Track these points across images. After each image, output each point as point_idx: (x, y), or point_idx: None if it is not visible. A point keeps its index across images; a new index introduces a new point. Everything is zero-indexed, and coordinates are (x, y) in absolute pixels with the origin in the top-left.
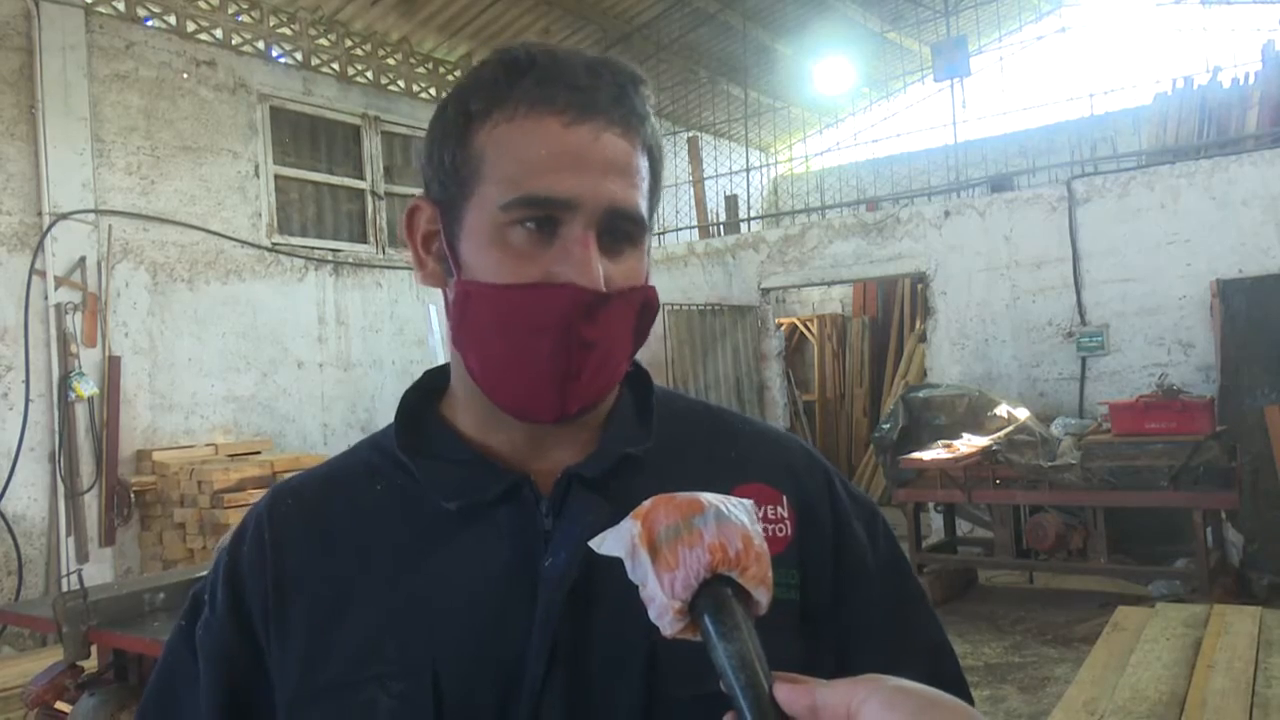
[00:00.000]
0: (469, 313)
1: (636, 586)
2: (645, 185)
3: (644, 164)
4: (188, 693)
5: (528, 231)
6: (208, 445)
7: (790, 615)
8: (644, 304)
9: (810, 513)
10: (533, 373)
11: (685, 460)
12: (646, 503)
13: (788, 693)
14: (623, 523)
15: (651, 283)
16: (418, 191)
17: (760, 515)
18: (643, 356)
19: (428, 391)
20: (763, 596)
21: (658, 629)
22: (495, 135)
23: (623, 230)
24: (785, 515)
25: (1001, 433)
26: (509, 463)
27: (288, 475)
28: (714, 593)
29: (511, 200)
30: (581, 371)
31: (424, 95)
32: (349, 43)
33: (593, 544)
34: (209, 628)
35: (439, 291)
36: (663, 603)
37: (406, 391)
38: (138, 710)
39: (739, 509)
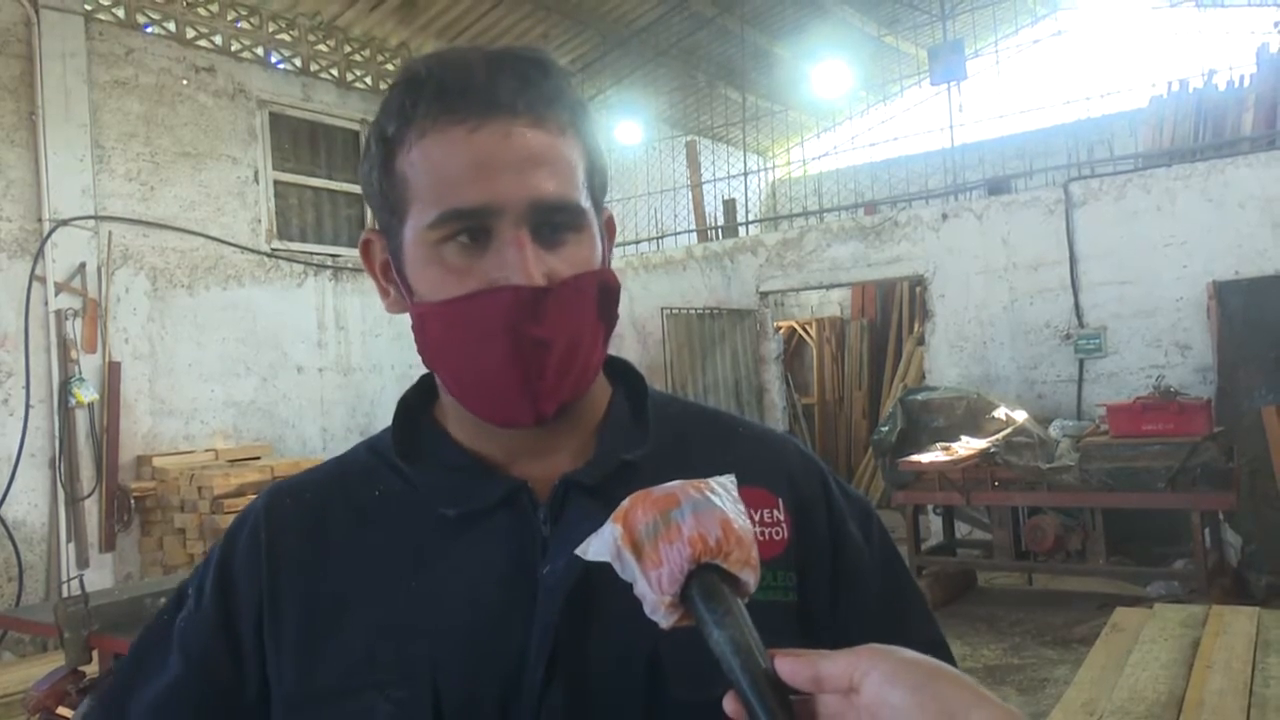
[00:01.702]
0: (427, 335)
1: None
2: (577, 168)
3: (568, 146)
4: (151, 685)
5: (460, 245)
6: (208, 450)
7: (789, 617)
8: (601, 287)
9: (806, 515)
10: (496, 381)
11: (682, 464)
12: (625, 502)
13: (790, 665)
14: (604, 527)
15: (650, 293)
16: None
17: (756, 519)
18: (642, 360)
19: (424, 396)
20: (749, 577)
21: (659, 634)
22: (411, 157)
23: (558, 221)
24: (782, 518)
25: (1000, 435)
26: (505, 468)
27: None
28: (702, 582)
29: (435, 219)
30: (544, 370)
31: None
32: (348, 48)
33: (579, 551)
34: (190, 621)
35: None
36: (654, 600)
37: (403, 396)
38: (97, 698)
39: (717, 493)
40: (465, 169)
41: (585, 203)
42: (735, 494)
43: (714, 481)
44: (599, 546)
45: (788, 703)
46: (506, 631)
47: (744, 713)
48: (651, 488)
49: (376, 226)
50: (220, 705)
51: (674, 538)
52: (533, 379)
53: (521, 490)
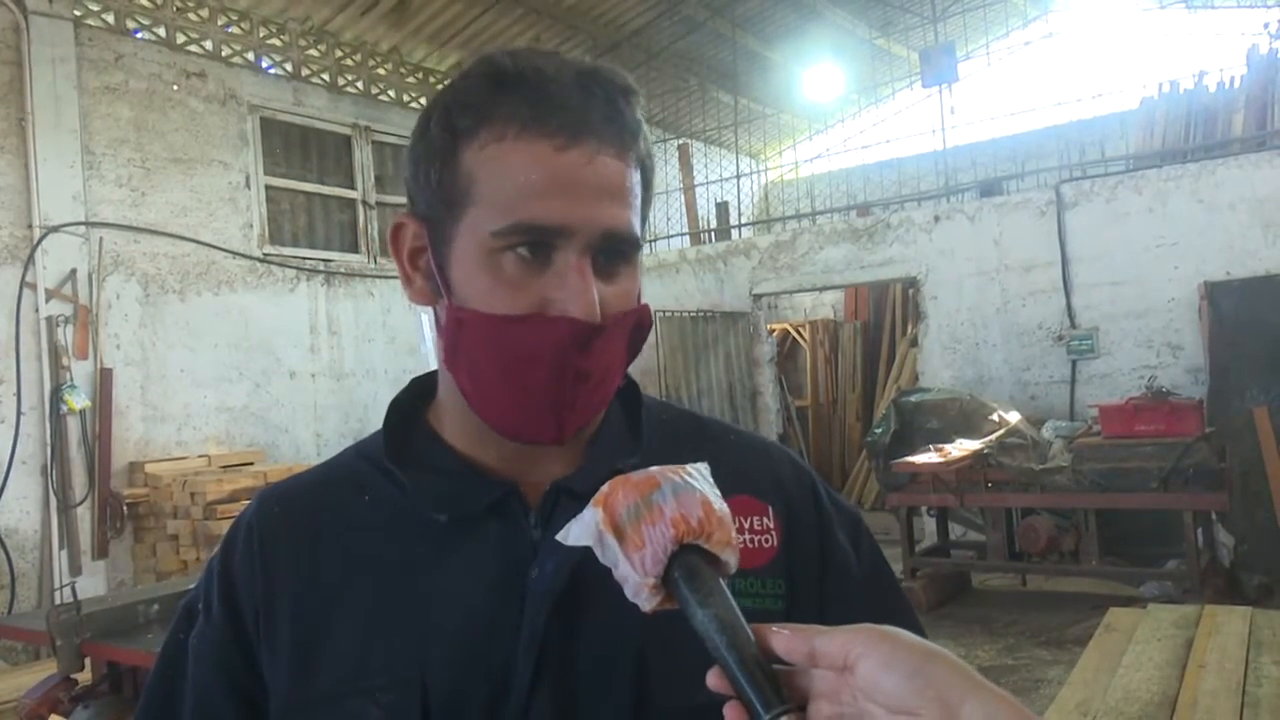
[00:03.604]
0: (462, 340)
1: (625, 597)
2: (638, 202)
3: (637, 180)
4: (184, 703)
5: (520, 258)
6: (200, 456)
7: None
8: (636, 324)
9: (796, 523)
10: (527, 402)
11: None
12: (605, 487)
13: (786, 641)
14: (584, 512)
15: (644, 297)
16: (406, 202)
17: (746, 527)
18: (635, 364)
19: (415, 399)
20: (730, 558)
21: (646, 638)
22: (484, 156)
23: (617, 251)
24: (771, 526)
25: (993, 436)
26: (497, 473)
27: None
28: (684, 563)
29: (504, 227)
30: (576, 400)
31: (414, 105)
32: (339, 53)
33: (559, 536)
34: (205, 636)
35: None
36: (636, 581)
37: (394, 399)
38: None
39: (694, 476)
40: (546, 185)
41: (640, 236)
42: (710, 480)
43: (690, 467)
44: (579, 531)
45: (774, 678)
46: (495, 635)
47: (729, 688)
48: (630, 473)
49: (414, 211)
50: (247, 713)
51: (656, 519)
52: (565, 406)
53: (513, 495)
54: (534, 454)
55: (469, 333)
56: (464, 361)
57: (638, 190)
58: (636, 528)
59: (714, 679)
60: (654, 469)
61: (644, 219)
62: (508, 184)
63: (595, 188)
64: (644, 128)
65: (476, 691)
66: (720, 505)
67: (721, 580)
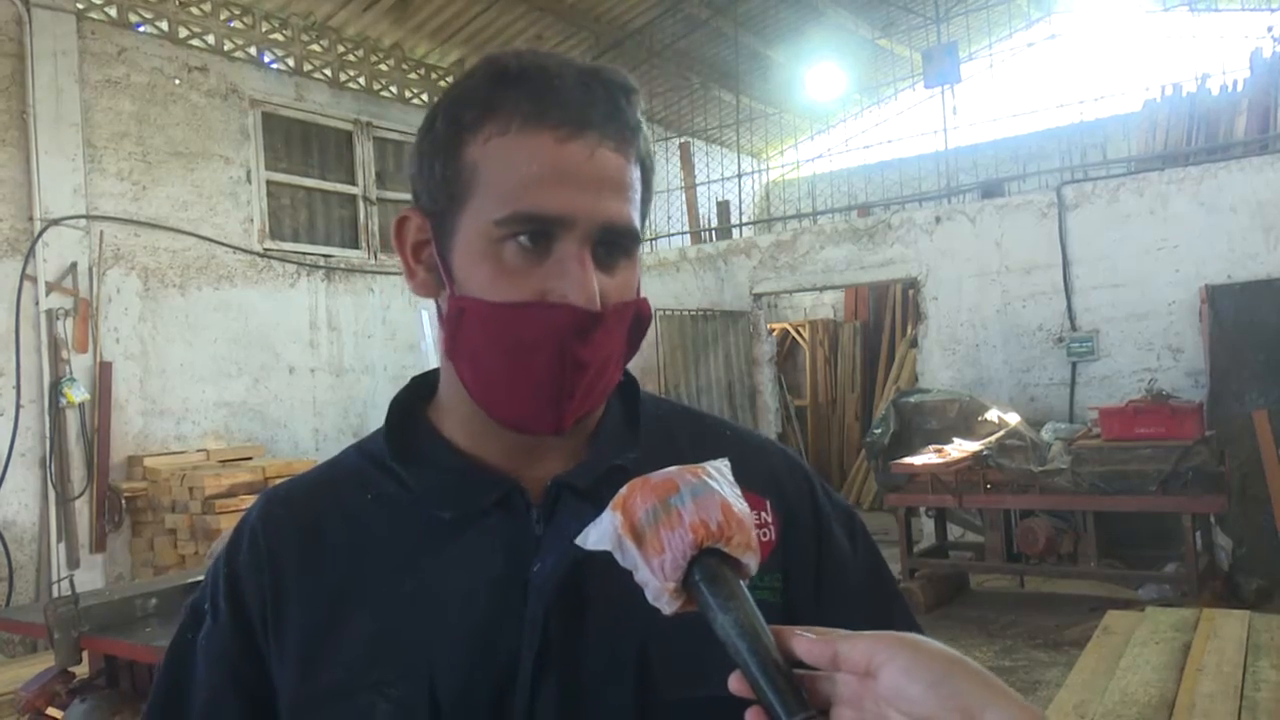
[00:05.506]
0: (463, 328)
1: (627, 590)
2: (638, 197)
3: (636, 176)
4: (194, 704)
5: (522, 247)
6: (199, 451)
7: (774, 618)
8: (636, 317)
9: (793, 518)
10: (527, 390)
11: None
12: (623, 490)
13: (809, 645)
14: (603, 515)
15: (643, 292)
16: (410, 197)
17: None
18: (635, 362)
19: (415, 398)
20: (750, 560)
21: (648, 631)
22: (488, 149)
23: (617, 244)
24: (769, 520)
25: (992, 437)
26: (500, 470)
27: (278, 481)
28: (704, 567)
29: (506, 216)
30: (575, 389)
31: (416, 101)
32: (341, 48)
33: (578, 540)
34: (213, 636)
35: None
36: (657, 586)
37: (395, 397)
38: None
39: (714, 477)
40: (547, 175)
41: (639, 229)
42: (730, 477)
43: (709, 466)
44: (598, 535)
45: (796, 684)
46: (500, 630)
47: (751, 693)
48: (649, 474)
49: (419, 205)
50: (257, 712)
51: (675, 524)
52: (564, 396)
53: (515, 492)
54: (535, 450)
55: (470, 320)
56: (464, 350)
57: (638, 186)
58: (655, 532)
59: (735, 683)
60: (672, 470)
61: (644, 217)
62: (510, 174)
63: (596, 180)
64: (644, 127)
65: (483, 684)
66: (740, 506)
67: (742, 583)
